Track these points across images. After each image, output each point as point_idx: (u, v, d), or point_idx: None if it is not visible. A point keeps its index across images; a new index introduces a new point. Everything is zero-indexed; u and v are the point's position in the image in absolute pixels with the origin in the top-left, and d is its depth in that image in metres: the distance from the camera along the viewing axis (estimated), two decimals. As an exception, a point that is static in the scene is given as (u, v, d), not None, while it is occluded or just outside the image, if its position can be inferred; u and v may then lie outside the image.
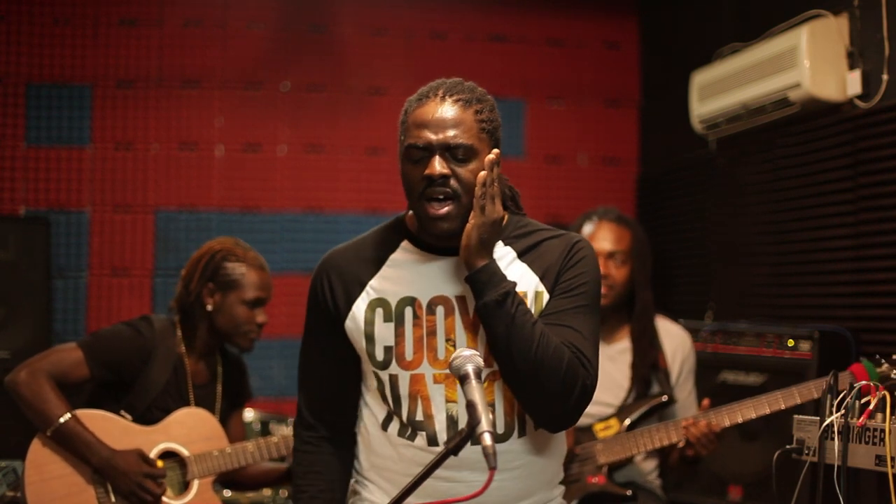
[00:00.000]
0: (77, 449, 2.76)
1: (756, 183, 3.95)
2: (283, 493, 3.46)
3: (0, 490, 3.10)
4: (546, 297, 2.03)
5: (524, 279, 2.03)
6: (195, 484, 2.89)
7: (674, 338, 3.29)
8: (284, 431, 3.04)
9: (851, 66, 3.39)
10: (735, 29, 4.06)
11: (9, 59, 4.41)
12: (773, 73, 3.58)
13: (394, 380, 2.04)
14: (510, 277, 2.00)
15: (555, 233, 2.11)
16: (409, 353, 2.03)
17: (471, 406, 1.67)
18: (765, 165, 3.89)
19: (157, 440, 2.88)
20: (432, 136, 1.96)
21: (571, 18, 4.90)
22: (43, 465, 2.77)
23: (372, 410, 2.12)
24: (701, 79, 4.06)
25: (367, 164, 4.65)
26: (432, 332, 2.02)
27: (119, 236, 4.48)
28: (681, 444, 3.02)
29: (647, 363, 3.19)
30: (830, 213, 3.49)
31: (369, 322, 2.05)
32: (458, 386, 1.94)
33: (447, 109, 1.98)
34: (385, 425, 2.08)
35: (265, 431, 3.63)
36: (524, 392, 1.97)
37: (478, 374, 1.73)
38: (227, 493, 3.30)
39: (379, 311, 2.05)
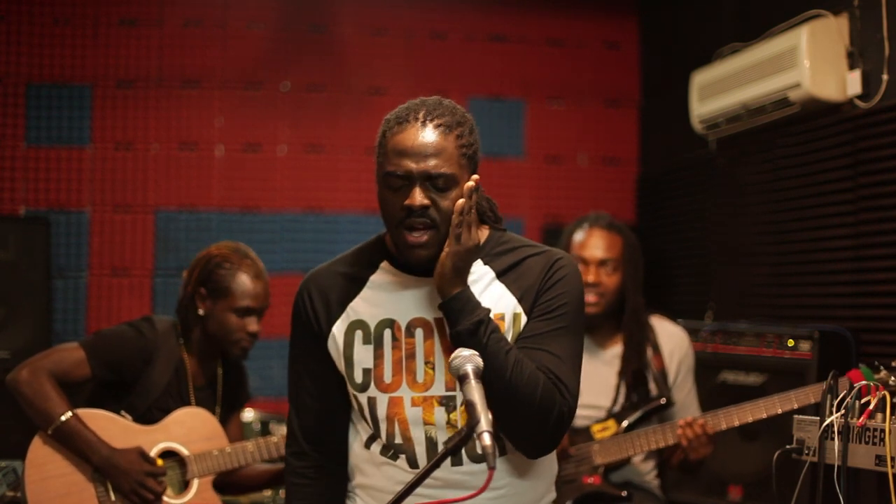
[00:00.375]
0: (78, 447, 2.76)
1: (756, 183, 3.95)
2: (283, 493, 3.45)
3: (0, 490, 3.10)
4: (524, 319, 2.00)
5: (502, 301, 2.00)
6: (195, 483, 2.89)
7: (671, 337, 3.28)
8: (284, 431, 3.04)
9: (851, 66, 3.39)
10: (735, 29, 4.06)
11: (9, 59, 4.41)
12: (773, 73, 3.58)
13: (372, 402, 2.02)
14: (488, 299, 1.98)
15: (537, 249, 2.07)
16: (387, 376, 2.00)
17: (470, 406, 1.67)
18: (765, 165, 3.89)
19: (156, 439, 2.88)
20: (413, 165, 1.92)
21: (571, 18, 4.90)
22: (43, 464, 2.77)
23: (357, 430, 2.10)
24: (701, 79, 4.06)
25: (367, 164, 4.63)
26: (411, 355, 2.00)
27: (119, 236, 4.48)
28: (680, 452, 3.03)
29: (632, 368, 3.17)
30: (830, 213, 3.49)
31: (348, 344, 2.04)
32: (435, 409, 1.97)
33: (428, 135, 1.94)
34: (368, 444, 2.07)
35: (265, 431, 3.63)
36: (501, 419, 1.93)
37: (477, 374, 1.73)
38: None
39: (358, 334, 2.03)
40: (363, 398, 2.03)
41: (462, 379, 1.73)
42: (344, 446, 2.14)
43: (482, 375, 1.76)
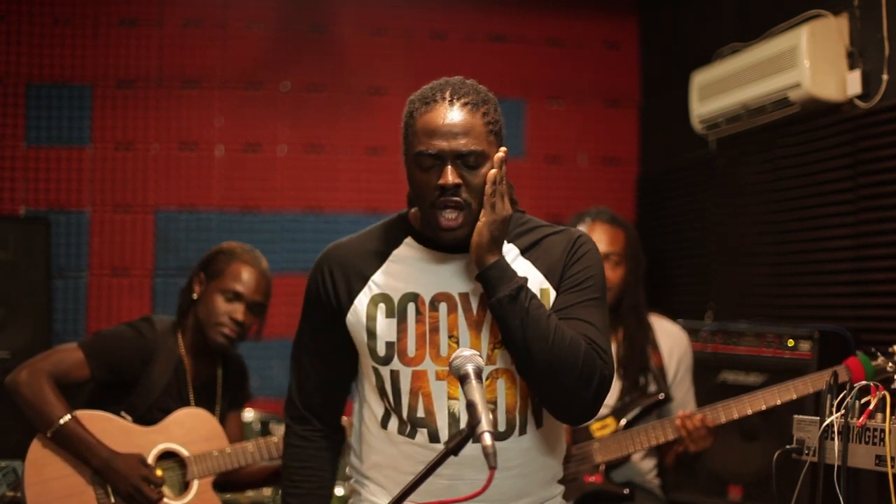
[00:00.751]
0: (77, 450, 2.76)
1: (756, 183, 3.95)
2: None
3: (0, 490, 3.10)
4: (552, 294, 2.03)
5: (528, 276, 2.02)
6: (195, 484, 2.89)
7: (670, 336, 3.29)
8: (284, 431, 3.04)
9: (851, 66, 3.39)
10: (735, 29, 4.06)
11: (9, 59, 4.41)
12: (773, 73, 3.58)
13: (395, 375, 2.03)
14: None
15: (555, 229, 2.12)
16: (411, 350, 2.02)
17: (471, 406, 1.67)
18: (765, 165, 3.89)
19: (156, 440, 2.88)
20: (444, 144, 1.95)
21: (571, 18, 4.90)
22: (43, 465, 2.77)
23: (371, 408, 2.11)
24: (701, 79, 4.06)
25: (367, 164, 4.65)
26: (435, 329, 2.02)
27: (119, 236, 4.48)
28: (678, 445, 3.03)
29: (637, 363, 3.18)
30: (830, 213, 3.49)
31: (371, 317, 2.04)
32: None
33: (456, 115, 1.96)
34: (384, 423, 2.07)
35: (265, 431, 3.63)
36: (543, 386, 1.96)
37: (478, 374, 1.73)
38: (226, 495, 3.30)
39: (381, 307, 2.04)
40: (385, 371, 2.04)
41: (463, 379, 1.73)
42: (339, 419, 2.21)
43: (512, 346, 1.81)
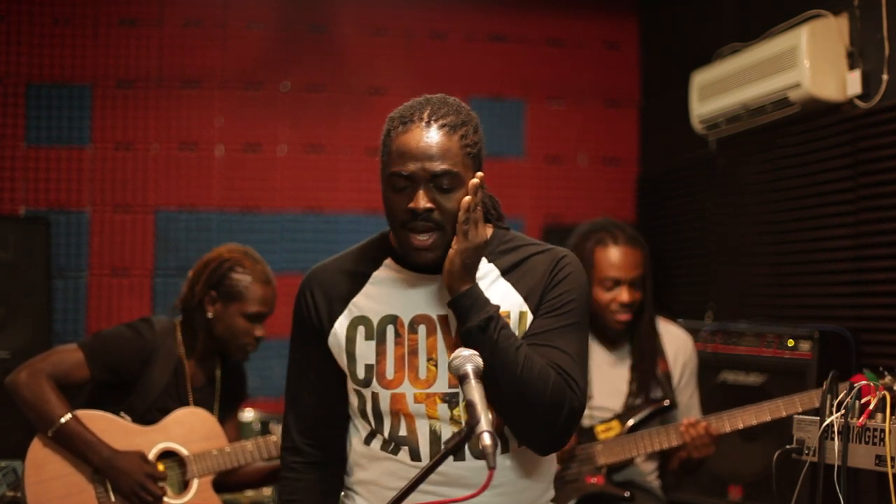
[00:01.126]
0: (78, 449, 2.76)
1: (756, 183, 3.95)
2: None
3: (0, 490, 3.10)
4: (530, 317, 1.99)
5: (507, 298, 1.99)
6: (195, 483, 2.90)
7: (675, 340, 3.28)
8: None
9: (851, 66, 3.39)
10: (735, 29, 4.06)
11: (9, 59, 4.41)
12: (773, 73, 3.58)
13: (375, 398, 2.01)
14: (493, 297, 1.97)
15: (541, 248, 2.07)
16: (389, 372, 2.00)
17: (470, 406, 1.67)
18: (765, 165, 3.89)
19: (156, 440, 2.88)
20: (417, 167, 1.92)
21: (571, 18, 4.90)
22: (42, 465, 2.77)
23: (356, 426, 2.09)
24: (701, 79, 4.06)
25: (367, 164, 4.65)
26: (414, 352, 1.99)
27: (119, 236, 4.48)
28: (681, 451, 3.03)
29: (648, 372, 3.17)
30: (830, 213, 3.49)
31: (351, 340, 2.03)
32: (438, 405, 1.96)
33: (433, 136, 1.94)
34: (368, 440, 2.06)
35: (265, 431, 3.63)
36: (511, 416, 1.94)
37: (477, 374, 1.73)
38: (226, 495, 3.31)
39: (360, 329, 2.03)
40: (366, 393, 2.02)
41: (462, 379, 1.73)
42: (340, 442, 2.14)
43: (483, 375, 1.75)
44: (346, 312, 2.05)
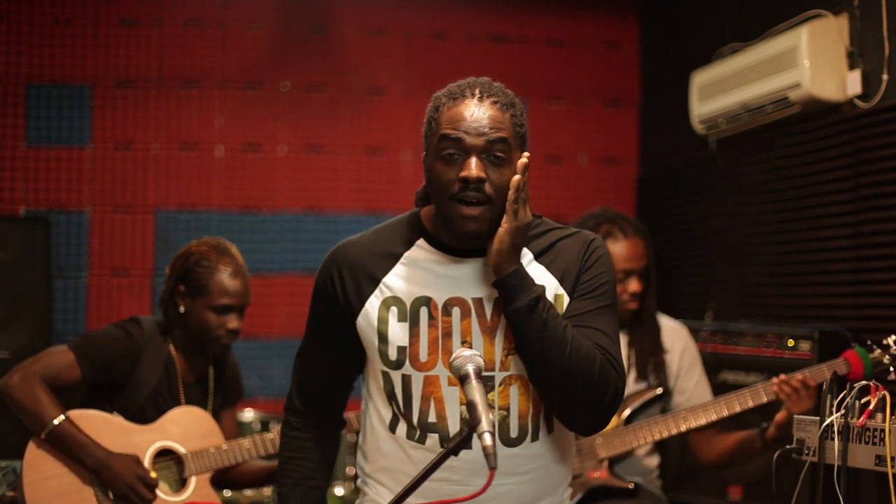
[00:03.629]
0: (72, 450, 2.76)
1: (756, 183, 3.95)
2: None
3: (0, 490, 3.10)
4: (566, 299, 2.00)
5: (542, 281, 1.99)
6: (193, 481, 2.90)
7: (670, 331, 3.29)
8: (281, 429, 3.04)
9: (851, 66, 3.39)
10: (735, 29, 4.06)
11: (9, 59, 4.41)
12: (773, 73, 3.58)
13: (406, 380, 2.00)
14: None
15: (568, 231, 2.10)
16: (423, 355, 1.98)
17: (471, 406, 1.67)
18: (765, 165, 3.89)
19: (153, 439, 2.88)
20: (471, 135, 1.92)
21: (571, 18, 4.90)
22: (40, 464, 2.77)
23: (379, 411, 2.07)
24: (701, 79, 4.06)
25: (367, 164, 4.65)
26: (448, 334, 1.98)
27: (119, 236, 4.48)
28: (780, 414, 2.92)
29: (650, 363, 3.18)
30: (830, 213, 3.49)
31: (383, 320, 2.01)
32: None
33: (486, 110, 1.94)
34: (393, 427, 2.04)
35: (265, 431, 3.63)
36: (557, 396, 1.96)
37: (478, 374, 1.73)
38: (228, 492, 3.30)
39: (393, 310, 2.00)
40: (396, 376, 2.00)
41: (463, 379, 1.73)
42: (340, 407, 2.20)
43: (529, 356, 1.80)
44: (377, 292, 2.02)
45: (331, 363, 2.14)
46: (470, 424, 1.65)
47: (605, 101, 4.93)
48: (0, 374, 2.95)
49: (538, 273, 2.01)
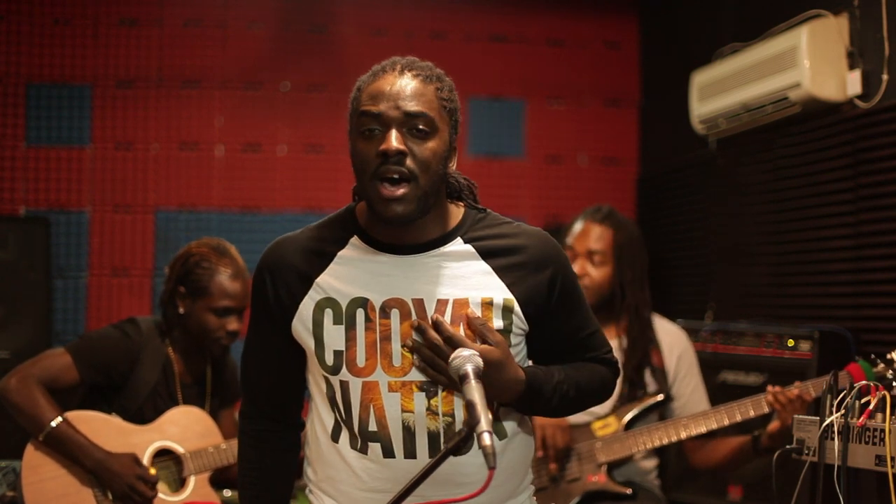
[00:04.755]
0: (70, 452, 2.76)
1: (756, 183, 3.95)
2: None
3: (0, 490, 3.10)
4: (516, 306, 1.88)
5: (488, 283, 1.88)
6: (192, 480, 2.90)
7: (669, 334, 3.28)
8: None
9: (851, 66, 3.39)
10: (735, 29, 4.06)
11: (9, 59, 4.42)
12: (773, 73, 3.58)
13: (345, 386, 1.88)
14: (470, 278, 1.88)
15: (519, 230, 1.96)
16: (360, 359, 1.86)
17: (470, 406, 1.66)
18: (765, 165, 3.89)
19: (151, 439, 2.89)
20: (389, 105, 1.81)
21: (571, 18, 4.90)
22: (39, 466, 2.77)
23: (322, 419, 1.95)
24: (701, 79, 4.06)
25: (367, 164, 4.64)
26: (387, 338, 1.86)
27: (119, 236, 4.48)
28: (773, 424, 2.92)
29: (637, 364, 3.17)
30: (830, 213, 3.49)
31: (318, 323, 1.89)
32: (415, 394, 1.85)
33: (406, 82, 1.84)
34: (335, 436, 1.93)
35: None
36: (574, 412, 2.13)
37: (477, 374, 1.72)
38: (227, 492, 3.31)
39: (328, 312, 1.88)
40: (335, 381, 1.89)
41: (462, 379, 1.72)
42: (296, 414, 2.07)
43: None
44: (310, 293, 1.90)
45: (274, 365, 2.00)
46: (469, 424, 1.65)
47: (605, 101, 4.93)
48: (0, 373, 2.96)
49: (481, 271, 1.89)
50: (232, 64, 4.59)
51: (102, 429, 2.82)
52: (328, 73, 4.66)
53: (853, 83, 3.35)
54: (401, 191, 1.80)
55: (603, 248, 3.21)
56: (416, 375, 1.86)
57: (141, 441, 2.86)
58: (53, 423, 2.74)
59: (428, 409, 1.86)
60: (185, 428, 2.93)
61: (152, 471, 2.84)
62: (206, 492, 2.91)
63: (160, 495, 2.83)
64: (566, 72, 4.88)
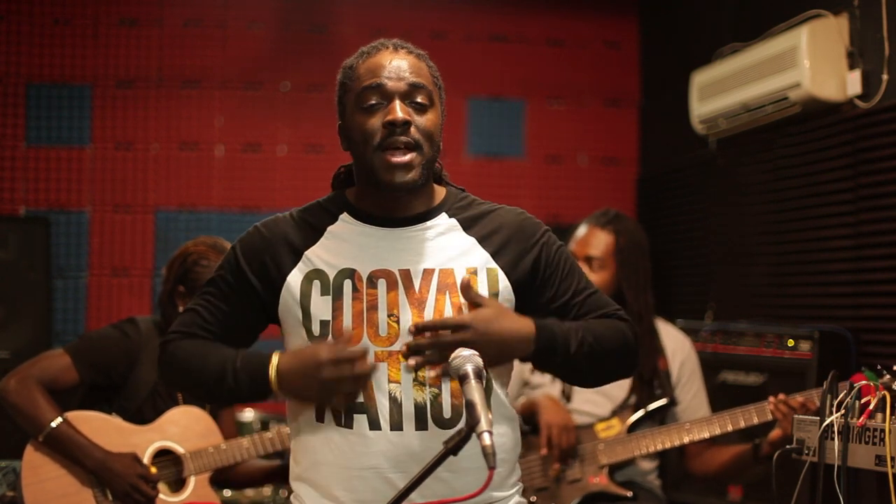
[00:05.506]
0: (70, 452, 2.75)
1: (756, 183, 3.95)
2: (283, 492, 3.46)
3: (0, 490, 3.10)
4: (501, 275, 1.92)
5: (472, 253, 1.93)
6: (192, 480, 2.90)
7: (672, 339, 3.28)
8: (280, 427, 3.04)
9: (851, 66, 3.39)
10: (735, 29, 4.06)
11: (9, 59, 4.42)
12: (773, 73, 3.58)
13: None
14: (454, 249, 1.93)
15: (496, 206, 2.02)
16: (347, 329, 1.88)
17: (470, 406, 1.66)
18: (765, 165, 3.89)
19: (151, 439, 2.88)
20: (391, 80, 1.89)
21: (571, 18, 4.90)
22: (39, 466, 2.77)
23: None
24: (701, 79, 4.06)
25: (367, 164, 4.65)
26: (373, 307, 1.88)
27: (119, 236, 4.48)
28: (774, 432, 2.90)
29: (648, 367, 3.16)
30: (830, 213, 3.49)
31: (305, 294, 1.90)
32: (402, 365, 1.86)
33: (402, 57, 1.93)
34: (320, 416, 1.90)
35: (264, 430, 3.63)
36: (599, 379, 2.04)
37: (477, 374, 1.72)
38: (228, 492, 3.30)
39: (316, 284, 1.91)
40: None
41: (462, 379, 1.72)
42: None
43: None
44: (299, 266, 1.93)
45: (227, 323, 1.97)
46: (469, 424, 1.65)
47: (605, 101, 4.93)
48: (0, 373, 2.96)
49: (466, 244, 1.94)
50: (232, 64, 4.59)
51: (102, 429, 2.82)
52: (328, 73, 4.60)
53: (853, 83, 3.35)
54: (408, 156, 1.87)
55: (602, 253, 3.21)
56: (401, 344, 1.87)
57: (141, 441, 2.86)
58: (53, 424, 2.74)
59: (415, 380, 1.87)
60: (186, 428, 2.93)
61: (153, 469, 2.84)
62: (206, 492, 2.91)
63: (161, 496, 2.83)
64: (566, 72, 4.88)
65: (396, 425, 1.86)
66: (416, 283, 1.90)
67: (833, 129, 3.47)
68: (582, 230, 3.28)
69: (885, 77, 3.23)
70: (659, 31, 4.86)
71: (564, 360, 1.89)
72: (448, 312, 1.89)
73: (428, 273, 1.91)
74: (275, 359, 1.86)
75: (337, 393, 1.82)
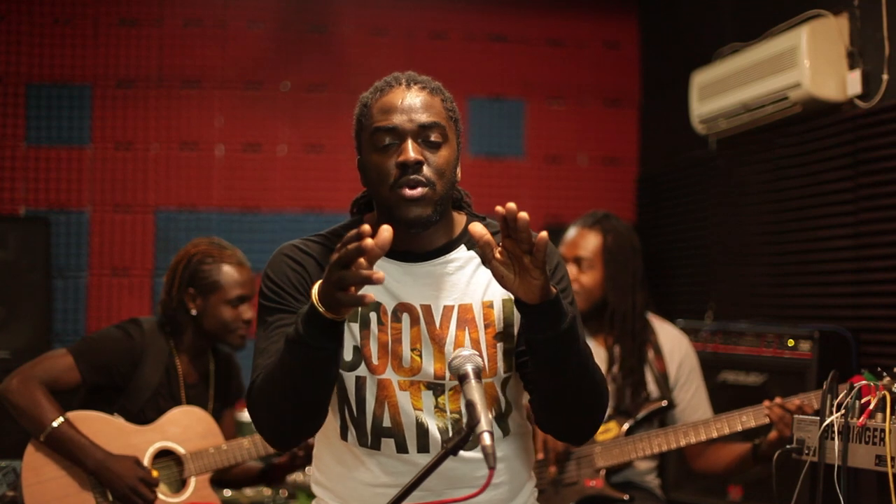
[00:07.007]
0: (71, 453, 2.75)
1: (756, 183, 3.95)
2: (284, 492, 3.46)
3: (0, 490, 3.10)
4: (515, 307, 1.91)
5: (490, 287, 1.96)
6: (192, 481, 2.90)
7: (670, 339, 3.27)
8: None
9: (851, 66, 3.39)
10: (735, 29, 4.06)
11: (9, 59, 4.42)
12: (773, 73, 3.58)
13: (360, 382, 1.94)
14: (473, 284, 1.96)
15: None
16: (374, 357, 1.94)
17: (470, 406, 1.66)
18: (765, 165, 3.89)
19: (152, 439, 2.88)
20: (404, 119, 1.90)
21: (571, 18, 4.90)
22: (39, 467, 2.77)
23: (328, 419, 1.99)
24: (701, 79, 4.06)
25: (367, 164, 4.65)
26: (398, 340, 1.94)
27: (119, 236, 4.48)
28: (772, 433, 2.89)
29: (632, 368, 3.15)
30: (830, 213, 3.49)
31: None
32: (423, 392, 1.92)
33: (414, 94, 1.92)
34: (343, 434, 1.97)
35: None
36: (571, 414, 1.93)
37: (477, 374, 1.72)
38: (228, 492, 3.30)
39: None
40: (350, 379, 1.94)
41: (462, 379, 1.72)
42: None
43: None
44: None
45: None
46: (469, 424, 1.64)
47: (605, 101, 4.93)
48: (0, 374, 2.96)
49: (486, 279, 1.96)
50: (232, 64, 4.59)
51: (103, 429, 2.82)
52: (328, 73, 4.66)
53: (853, 83, 3.35)
54: (420, 191, 1.88)
55: (590, 253, 3.21)
56: (423, 376, 1.94)
57: (141, 441, 2.86)
58: (55, 424, 2.74)
59: (436, 406, 1.94)
60: (186, 428, 2.93)
61: (154, 472, 2.84)
62: (206, 493, 2.91)
63: (161, 496, 2.83)
64: (566, 72, 4.88)
65: (423, 448, 1.93)
66: (437, 320, 1.95)
67: (833, 129, 3.47)
68: (571, 232, 3.28)
69: (885, 77, 3.23)
70: (659, 31, 4.86)
71: (562, 345, 1.83)
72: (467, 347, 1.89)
73: (448, 310, 1.96)
74: (315, 288, 1.78)
75: (347, 287, 1.71)
